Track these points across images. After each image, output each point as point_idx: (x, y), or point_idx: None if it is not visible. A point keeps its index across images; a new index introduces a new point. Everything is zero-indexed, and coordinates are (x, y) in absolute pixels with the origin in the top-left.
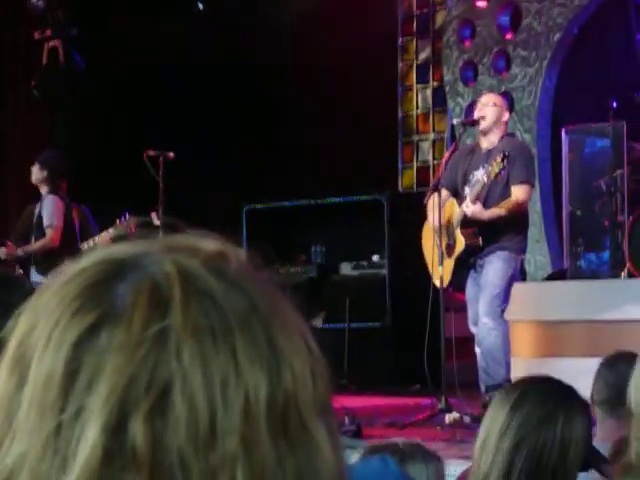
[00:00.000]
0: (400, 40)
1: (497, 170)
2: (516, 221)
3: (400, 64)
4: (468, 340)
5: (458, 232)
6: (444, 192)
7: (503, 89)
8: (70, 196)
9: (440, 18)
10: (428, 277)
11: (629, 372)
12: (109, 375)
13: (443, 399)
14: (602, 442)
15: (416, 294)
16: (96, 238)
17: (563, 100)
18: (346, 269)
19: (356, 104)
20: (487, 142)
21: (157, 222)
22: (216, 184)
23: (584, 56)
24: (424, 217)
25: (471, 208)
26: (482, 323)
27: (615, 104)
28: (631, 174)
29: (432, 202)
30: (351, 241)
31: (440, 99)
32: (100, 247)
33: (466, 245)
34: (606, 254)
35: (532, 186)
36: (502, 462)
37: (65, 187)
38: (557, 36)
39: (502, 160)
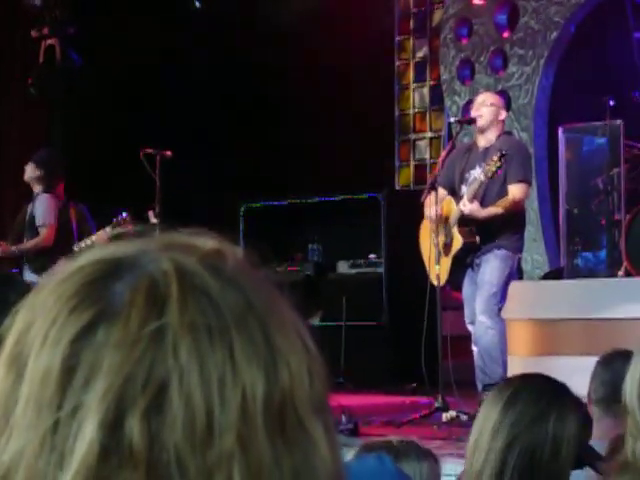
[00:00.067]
0: (397, 38)
1: (494, 169)
2: (513, 220)
3: (397, 62)
4: (465, 338)
5: (455, 230)
6: (441, 190)
7: (500, 88)
8: (67, 195)
9: (437, 16)
10: (425, 276)
11: (625, 370)
12: (106, 372)
13: (440, 398)
14: (599, 440)
15: (413, 292)
16: (93, 237)
17: (560, 99)
18: (343, 267)
19: (353, 103)
20: (484, 141)
21: (154, 220)
22: (213, 182)
23: (581, 55)
24: (421, 216)
25: (468, 207)
26: (479, 322)
27: (612, 103)
28: (628, 173)
29: (429, 200)
30: (348, 239)
31: (437, 97)
32: (97, 246)
33: (463, 243)
34: (603, 253)
35: (529, 185)
36: (495, 460)
37: (63, 186)
38: (554, 34)
39: (499, 159)
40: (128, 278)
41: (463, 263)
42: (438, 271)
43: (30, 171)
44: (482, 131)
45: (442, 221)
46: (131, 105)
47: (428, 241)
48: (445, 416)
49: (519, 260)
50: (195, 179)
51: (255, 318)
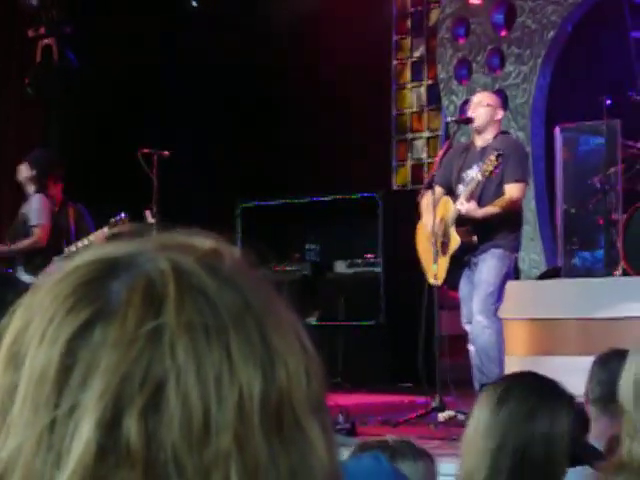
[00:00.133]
0: (394, 38)
1: (491, 168)
2: (510, 219)
3: (394, 62)
4: (462, 338)
5: (452, 230)
6: (438, 189)
7: (497, 87)
8: (65, 194)
9: (434, 16)
10: (422, 275)
11: (621, 370)
12: (103, 372)
13: (437, 397)
14: (597, 440)
15: (410, 292)
16: (91, 237)
17: (557, 98)
18: (340, 267)
19: (350, 102)
20: (481, 140)
21: (151, 220)
22: (211, 182)
23: (578, 54)
24: (418, 215)
25: (465, 206)
26: (476, 321)
27: (609, 102)
28: (625, 172)
29: (426, 200)
30: (345, 239)
31: (434, 97)
32: (94, 245)
33: (460, 243)
34: (600, 252)
35: (526, 184)
36: (488, 460)
37: (61, 186)
38: (551, 34)
39: (496, 158)
40: (125, 277)
41: (460, 262)
42: (435, 271)
43: (24, 171)
44: (479, 132)
45: (439, 221)
46: (129, 105)
47: (425, 241)
48: (442, 416)
49: (516, 259)
50: (192, 179)
51: (252, 318)
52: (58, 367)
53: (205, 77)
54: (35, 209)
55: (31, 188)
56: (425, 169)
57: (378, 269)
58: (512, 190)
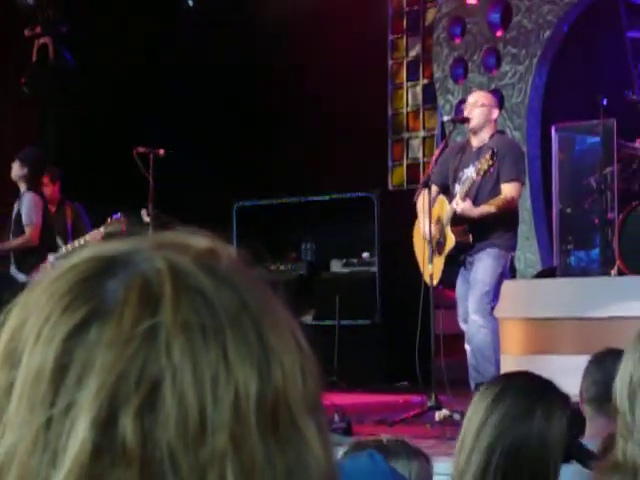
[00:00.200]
0: (390, 37)
1: (486, 167)
2: (506, 218)
3: (390, 61)
4: (458, 337)
5: (448, 229)
6: (434, 189)
7: (493, 86)
8: (63, 194)
9: (430, 15)
10: (418, 274)
11: (616, 369)
12: (99, 371)
13: (433, 396)
14: (592, 439)
15: (406, 291)
16: (87, 236)
17: (553, 98)
18: (336, 266)
19: (346, 102)
20: (477, 140)
21: (147, 219)
22: (206, 181)
23: (574, 54)
24: (414, 215)
25: (461, 205)
26: (472, 320)
27: (605, 102)
28: (621, 172)
29: (422, 199)
30: (341, 238)
31: (430, 96)
32: (91, 244)
33: (456, 242)
34: (596, 252)
35: (522, 183)
36: (479, 459)
37: (58, 185)
38: (547, 33)
39: (491, 157)
40: (121, 276)
41: (456, 262)
42: (431, 270)
43: (16, 169)
44: (475, 132)
45: (435, 220)
46: (127, 104)
47: (421, 240)
48: (438, 415)
49: (512, 259)
50: (188, 178)
51: (249, 317)
52: (54, 366)
53: (204, 77)
54: (27, 208)
55: (23, 186)
56: (421, 169)
57: (374, 268)
58: (508, 189)
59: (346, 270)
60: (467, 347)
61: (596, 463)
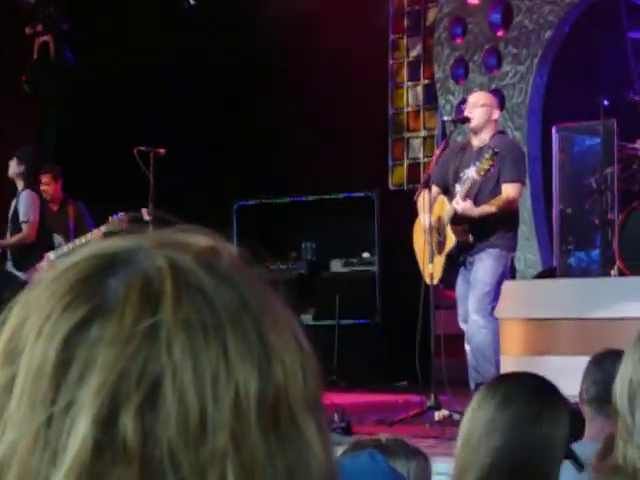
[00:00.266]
0: (391, 37)
1: (486, 167)
2: (507, 219)
3: (391, 61)
4: (458, 337)
5: (448, 229)
6: (434, 188)
7: (494, 87)
8: (66, 192)
9: (431, 15)
10: (418, 274)
11: (616, 370)
12: (100, 369)
13: (433, 396)
14: (591, 440)
15: (406, 291)
16: (89, 235)
17: (554, 98)
18: (336, 266)
19: (347, 102)
20: (478, 140)
21: (147, 218)
22: (207, 181)
23: (575, 54)
24: (415, 214)
25: (461, 205)
26: (472, 321)
27: (606, 102)
28: (621, 172)
29: (422, 199)
30: (341, 238)
31: (431, 96)
32: (92, 242)
33: (456, 242)
34: (596, 252)
35: (523, 184)
36: (487, 458)
37: (61, 183)
38: (548, 34)
39: (491, 157)
40: (122, 274)
41: (456, 262)
42: (431, 270)
43: (13, 167)
44: (475, 132)
45: (436, 220)
46: (128, 104)
47: (421, 240)
48: (437, 415)
49: (512, 259)
50: (188, 177)
51: (249, 316)
52: (55, 364)
53: (204, 77)
54: (25, 206)
55: (20, 184)
56: (421, 168)
57: (374, 268)
58: (509, 190)
59: (346, 269)
60: (467, 347)
61: (596, 465)
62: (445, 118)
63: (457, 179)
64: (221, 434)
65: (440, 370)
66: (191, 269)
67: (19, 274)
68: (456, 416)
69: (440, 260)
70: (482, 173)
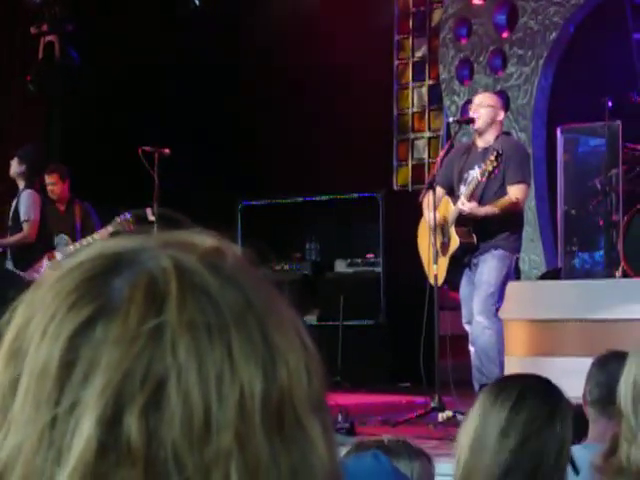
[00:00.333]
0: (396, 38)
1: (491, 168)
2: (511, 220)
3: (396, 62)
4: (462, 338)
5: (453, 230)
6: (439, 190)
7: (499, 88)
8: (73, 192)
9: (437, 16)
10: (423, 275)
11: (620, 371)
12: (104, 369)
13: (437, 397)
14: (595, 441)
15: (411, 292)
16: (95, 235)
17: (559, 99)
18: (341, 266)
19: (352, 102)
20: (483, 141)
21: (152, 218)
22: (211, 181)
23: (580, 55)
24: (419, 215)
25: (467, 205)
26: (476, 322)
27: (611, 104)
28: (626, 174)
29: (427, 200)
30: (346, 239)
31: (436, 97)
32: (97, 242)
33: (461, 243)
34: (600, 253)
35: (528, 185)
36: (504, 460)
37: (68, 183)
38: (553, 35)
39: (495, 158)
40: (127, 274)
41: (461, 263)
42: (436, 271)
43: (14, 166)
44: (480, 133)
45: (440, 221)
46: (130, 103)
47: (426, 241)
48: (441, 416)
49: (517, 260)
50: (193, 177)
51: (254, 316)
52: (59, 364)
53: (205, 77)
54: (25, 205)
55: (21, 183)
56: (426, 169)
57: (378, 269)
58: (514, 191)
59: (350, 270)
60: (471, 348)
61: (600, 466)
62: (450, 119)
63: (462, 180)
64: (225, 435)
65: (444, 371)
66: (196, 270)
67: (22, 273)
68: (460, 417)
69: (444, 261)
70: (486, 175)
